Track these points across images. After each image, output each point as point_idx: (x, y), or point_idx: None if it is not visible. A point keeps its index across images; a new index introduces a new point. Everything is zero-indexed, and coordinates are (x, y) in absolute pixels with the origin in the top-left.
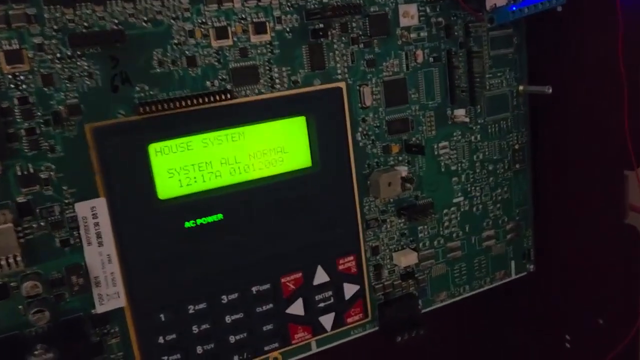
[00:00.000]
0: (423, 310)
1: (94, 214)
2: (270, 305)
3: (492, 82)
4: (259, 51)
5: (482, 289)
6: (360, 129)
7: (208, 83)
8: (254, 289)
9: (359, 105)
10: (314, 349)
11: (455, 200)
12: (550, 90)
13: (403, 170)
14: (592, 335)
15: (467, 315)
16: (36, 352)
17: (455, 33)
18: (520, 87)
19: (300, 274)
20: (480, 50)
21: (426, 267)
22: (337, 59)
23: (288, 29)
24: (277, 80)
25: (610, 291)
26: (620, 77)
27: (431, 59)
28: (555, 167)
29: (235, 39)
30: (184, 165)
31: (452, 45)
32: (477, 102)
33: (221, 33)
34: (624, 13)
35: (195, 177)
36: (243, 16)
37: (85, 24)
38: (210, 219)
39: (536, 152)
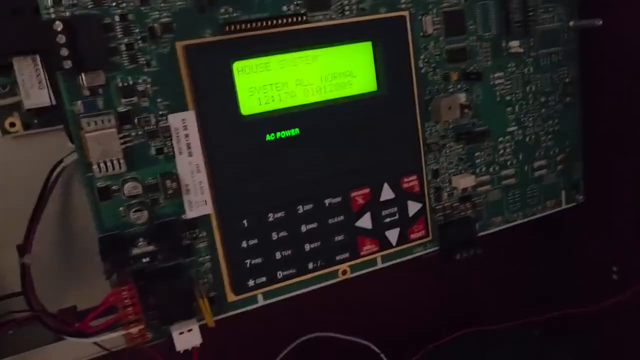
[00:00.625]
0: (479, 234)
1: (185, 126)
2: (342, 217)
3: (545, 16)
4: None
5: (534, 217)
6: (422, 57)
7: (284, 7)
8: (326, 201)
9: (421, 33)
10: (379, 264)
11: (509, 130)
12: (601, 23)
13: (462, 97)
14: (639, 268)
15: (519, 241)
16: (139, 244)
17: None
18: (571, 23)
19: (368, 190)
20: None
21: (482, 192)
22: None
23: None
24: (346, 7)
25: None
26: None
27: None
28: (605, 102)
29: None
30: (263, 85)
31: None
32: (530, 35)
33: None
34: None
35: (272, 96)
36: None
37: None
38: (287, 132)
39: (587, 86)
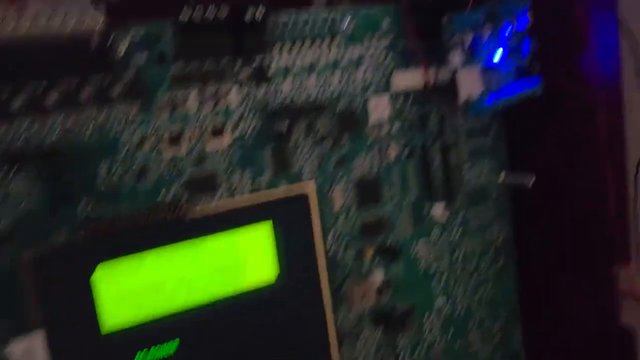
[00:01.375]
0: None
1: (30, 353)
2: None
3: (471, 174)
4: (217, 158)
5: None
6: (330, 235)
7: (161, 195)
8: None
9: (329, 208)
10: None
11: (436, 304)
12: (532, 183)
13: (378, 277)
14: None
15: None
16: None
17: (430, 125)
18: (501, 178)
19: None
20: (456, 141)
21: None
22: (304, 160)
23: (249, 132)
24: (237, 188)
25: None
26: (601, 161)
27: (405, 154)
28: (541, 262)
29: (190, 146)
30: (133, 290)
31: (427, 138)
32: (455, 197)
33: (175, 141)
34: (602, 97)
35: (144, 304)
36: (199, 121)
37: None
38: (164, 349)
39: (520, 246)
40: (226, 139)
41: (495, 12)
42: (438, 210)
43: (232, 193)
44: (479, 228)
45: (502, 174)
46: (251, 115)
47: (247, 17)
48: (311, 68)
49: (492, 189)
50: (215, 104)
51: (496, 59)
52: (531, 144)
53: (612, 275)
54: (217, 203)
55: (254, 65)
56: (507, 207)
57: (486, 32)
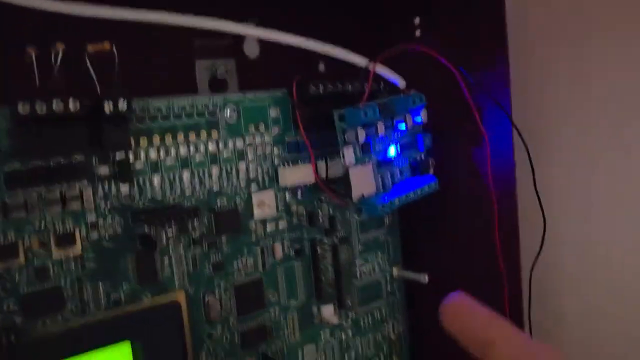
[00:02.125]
0: None
1: None
2: None
3: (363, 269)
4: (64, 268)
5: None
6: (205, 348)
7: None
8: None
9: (204, 318)
10: None
11: None
12: (427, 280)
13: None
14: None
15: None
16: None
17: (320, 221)
18: (395, 272)
19: None
20: (348, 236)
21: None
22: (174, 265)
23: (107, 236)
24: (90, 303)
25: None
26: (497, 258)
27: (292, 252)
28: (437, 358)
29: (29, 256)
30: None
31: (317, 234)
32: (346, 295)
33: (8, 251)
34: (497, 194)
35: None
36: (42, 226)
37: None
38: None
39: (415, 341)
40: (77, 247)
41: (391, 108)
42: (328, 311)
43: (83, 310)
44: (372, 325)
45: (396, 269)
46: (110, 217)
47: (106, 108)
48: (185, 163)
49: (385, 284)
50: (64, 206)
51: (391, 154)
52: (426, 238)
53: None
54: (64, 323)
55: (115, 160)
56: (402, 302)
57: (381, 127)
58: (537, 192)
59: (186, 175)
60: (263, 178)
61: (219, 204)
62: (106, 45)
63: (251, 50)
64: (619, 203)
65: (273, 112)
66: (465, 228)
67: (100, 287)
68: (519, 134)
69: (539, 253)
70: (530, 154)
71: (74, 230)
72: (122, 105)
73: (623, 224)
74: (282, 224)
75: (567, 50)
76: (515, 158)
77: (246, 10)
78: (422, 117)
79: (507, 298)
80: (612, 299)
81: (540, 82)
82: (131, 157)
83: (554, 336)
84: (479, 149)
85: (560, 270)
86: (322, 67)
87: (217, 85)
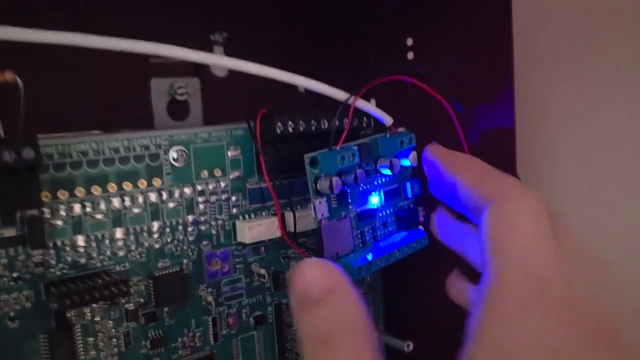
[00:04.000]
0: None
1: None
2: None
3: None
4: None
5: None
6: None
7: None
8: None
9: None
10: None
11: None
12: (411, 348)
13: None
14: None
15: None
16: None
17: (286, 281)
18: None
19: None
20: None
21: None
22: (100, 346)
23: (12, 314)
24: None
25: None
26: None
27: (252, 320)
28: None
29: None
30: None
31: (282, 297)
32: None
33: None
34: None
35: None
36: None
37: None
38: None
39: None
40: None
41: (374, 150)
42: None
43: None
44: None
45: (377, 333)
46: (16, 290)
47: (6, 157)
48: (117, 219)
49: None
50: None
51: (373, 204)
52: (412, 298)
53: None
54: None
55: (24, 220)
56: None
57: (361, 175)
58: None
59: (119, 233)
60: (217, 233)
61: (160, 267)
62: (8, 75)
63: (219, 69)
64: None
65: (232, 153)
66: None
67: None
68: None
69: None
70: None
71: None
72: (28, 152)
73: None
74: (240, 287)
75: (579, 86)
76: None
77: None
78: (411, 160)
79: None
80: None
81: (546, 122)
82: (46, 214)
83: None
84: None
85: None
86: (302, 87)
87: (177, 109)
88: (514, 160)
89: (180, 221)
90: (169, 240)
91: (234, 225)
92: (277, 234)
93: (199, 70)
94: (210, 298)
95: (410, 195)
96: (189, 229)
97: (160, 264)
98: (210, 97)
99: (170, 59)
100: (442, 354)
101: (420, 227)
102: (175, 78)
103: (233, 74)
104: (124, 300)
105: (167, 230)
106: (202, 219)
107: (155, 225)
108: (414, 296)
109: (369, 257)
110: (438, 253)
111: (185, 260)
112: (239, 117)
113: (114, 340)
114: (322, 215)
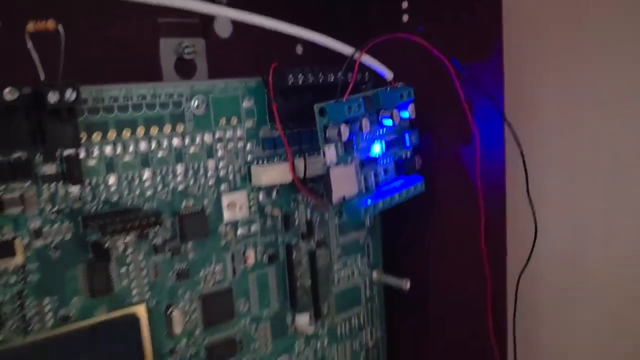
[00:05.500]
0: None
1: None
2: None
3: (342, 274)
4: (2, 282)
5: None
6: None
7: None
8: None
9: (166, 333)
10: None
11: None
12: (408, 286)
13: None
14: None
15: None
16: None
17: (296, 223)
18: (375, 276)
19: None
20: (326, 240)
21: None
22: (132, 275)
23: (52, 246)
24: (34, 320)
25: None
26: (483, 264)
27: (266, 258)
28: None
29: None
30: None
31: (292, 237)
32: (323, 302)
33: None
34: (486, 196)
35: None
36: None
37: None
38: None
39: (393, 349)
40: (17, 258)
41: (377, 102)
42: (303, 321)
43: (25, 329)
44: (349, 333)
45: (376, 273)
46: (57, 223)
47: (51, 98)
48: (145, 161)
49: (364, 290)
50: (1, 210)
51: (375, 152)
52: (409, 242)
53: None
54: (3, 344)
55: (62, 158)
56: (381, 308)
57: (365, 124)
58: (529, 196)
59: (147, 174)
60: (234, 177)
61: (183, 206)
62: (50, 24)
63: (223, 29)
64: (613, 210)
65: (246, 104)
66: (450, 232)
67: (46, 302)
68: (513, 133)
69: (528, 260)
70: (524, 155)
71: (13, 239)
72: (70, 94)
73: (615, 233)
74: (255, 228)
75: (563, 42)
76: (507, 158)
77: None
78: (410, 112)
79: (492, 307)
80: (597, 312)
81: (535, 77)
82: (82, 154)
83: (537, 345)
84: (468, 147)
85: (547, 280)
86: (299, 49)
87: (184, 67)
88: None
89: (201, 165)
90: (191, 182)
91: (249, 169)
92: (289, 178)
93: (205, 30)
94: (229, 236)
95: (408, 145)
96: (209, 172)
97: (184, 204)
98: (215, 57)
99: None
100: (437, 289)
101: (418, 174)
102: (182, 38)
103: (236, 34)
104: (152, 235)
105: (190, 172)
106: (221, 163)
107: (180, 167)
108: (410, 238)
109: (373, 200)
110: (433, 198)
111: (206, 201)
112: (242, 75)
113: (144, 271)
114: (331, 160)
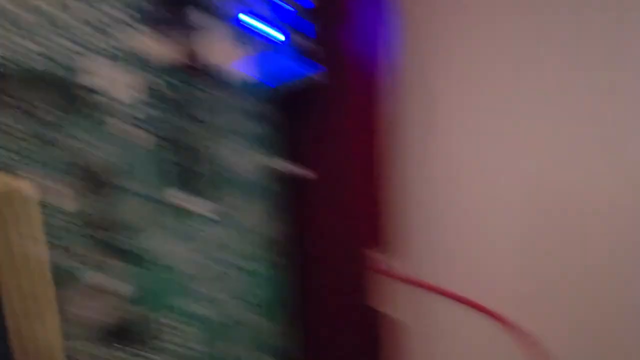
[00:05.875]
0: None
1: None
2: None
3: (233, 160)
4: None
5: None
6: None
7: None
8: None
9: (44, 208)
10: None
11: (197, 312)
12: (310, 174)
13: (117, 287)
14: None
15: None
16: None
17: (186, 104)
18: (272, 165)
19: None
20: (219, 125)
21: None
22: None
23: None
24: None
25: None
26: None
27: (154, 140)
28: (311, 258)
29: None
30: None
31: (183, 119)
32: (217, 191)
33: None
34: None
35: None
36: None
37: None
38: None
39: (298, 242)
40: None
41: None
42: (196, 207)
43: None
44: (243, 225)
45: (273, 162)
46: None
47: None
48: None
49: (260, 181)
50: None
51: (269, 31)
52: (307, 131)
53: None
54: None
55: None
56: (275, 200)
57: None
58: None
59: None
60: (111, 46)
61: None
62: None
63: None
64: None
65: None
66: (340, 121)
67: None
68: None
69: None
70: None
71: None
72: None
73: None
74: (141, 105)
75: None
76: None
77: None
78: None
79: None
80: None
81: None
82: None
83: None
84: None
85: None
86: None
87: None
88: None
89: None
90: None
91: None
92: (176, 51)
93: None
94: (109, 112)
95: (303, 29)
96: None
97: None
98: None
99: None
100: (333, 179)
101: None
102: None
103: None
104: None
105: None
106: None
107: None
108: (307, 126)
109: (265, 78)
110: (328, 85)
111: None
112: None
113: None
114: (221, 33)
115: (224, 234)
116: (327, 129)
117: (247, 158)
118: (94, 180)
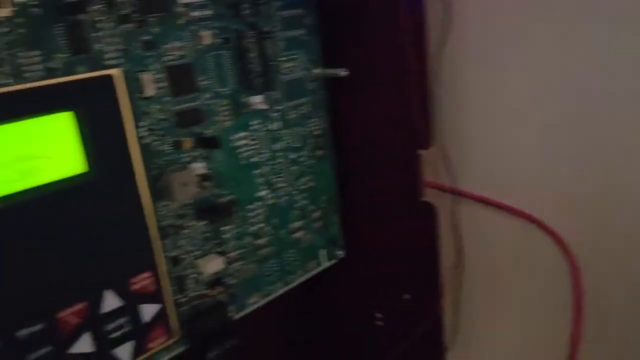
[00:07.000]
0: (236, 317)
1: None
2: (49, 349)
3: (287, 65)
4: None
5: (295, 284)
6: (144, 124)
7: None
8: (21, 333)
9: (140, 95)
10: None
11: (259, 194)
12: (345, 73)
13: (199, 168)
14: (401, 311)
15: (283, 313)
16: None
17: (244, 12)
18: (316, 71)
19: (83, 304)
20: (271, 31)
21: (235, 270)
22: (105, 40)
23: (35, 2)
24: (26, 69)
25: (414, 267)
26: (405, 61)
27: (220, 41)
28: (356, 152)
29: None
30: None
31: (242, 25)
32: (272, 88)
33: None
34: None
35: None
36: None
37: None
38: None
39: (337, 137)
40: (4, 10)
41: None
42: (256, 101)
43: (18, 75)
44: (297, 120)
45: (317, 69)
46: None
47: None
48: None
49: (308, 82)
50: None
51: None
52: (344, 37)
53: (416, 159)
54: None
55: None
56: (323, 100)
57: None
58: None
59: None
60: None
61: None
62: None
63: None
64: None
65: None
66: (381, 33)
67: (34, 55)
68: None
69: None
70: None
71: None
72: None
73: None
74: (208, 11)
75: None
76: None
77: None
78: None
79: (418, 91)
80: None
81: None
82: None
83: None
84: None
85: None
86: None
87: None
88: None
89: None
90: None
91: None
92: None
93: None
94: (185, 16)
95: None
96: None
97: None
98: None
99: None
100: (372, 78)
101: None
102: None
103: None
104: (119, 5)
105: None
106: None
107: None
108: (347, 34)
109: None
110: None
111: None
112: None
113: (116, 36)
114: None
115: (276, 127)
116: (360, 32)
117: (292, 59)
118: (175, 75)
